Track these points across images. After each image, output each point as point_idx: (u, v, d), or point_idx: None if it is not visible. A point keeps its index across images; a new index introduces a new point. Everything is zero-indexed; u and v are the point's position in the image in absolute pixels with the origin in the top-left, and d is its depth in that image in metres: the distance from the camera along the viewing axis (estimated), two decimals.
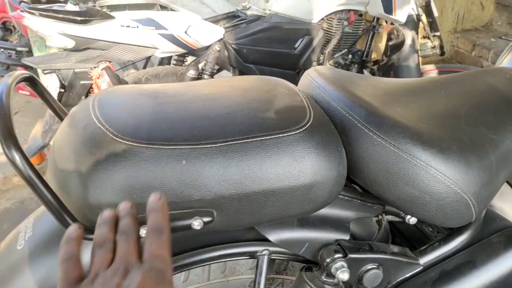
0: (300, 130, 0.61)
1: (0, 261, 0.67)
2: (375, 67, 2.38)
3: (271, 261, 0.78)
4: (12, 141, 0.51)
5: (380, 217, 0.82)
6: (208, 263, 0.70)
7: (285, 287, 0.83)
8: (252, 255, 0.70)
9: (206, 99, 0.66)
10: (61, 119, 0.75)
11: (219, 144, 0.58)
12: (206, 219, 0.59)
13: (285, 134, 0.60)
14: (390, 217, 0.82)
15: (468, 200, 0.64)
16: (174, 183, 0.56)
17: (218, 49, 1.92)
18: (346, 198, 0.71)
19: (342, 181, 0.64)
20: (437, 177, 0.62)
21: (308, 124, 0.62)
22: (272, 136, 0.60)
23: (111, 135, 0.56)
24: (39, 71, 1.76)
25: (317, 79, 0.76)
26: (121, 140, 0.55)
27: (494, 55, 3.30)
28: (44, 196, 0.53)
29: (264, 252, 0.69)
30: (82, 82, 1.75)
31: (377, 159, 0.64)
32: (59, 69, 1.73)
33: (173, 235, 0.73)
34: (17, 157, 0.51)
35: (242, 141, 0.59)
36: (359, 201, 0.73)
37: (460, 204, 0.64)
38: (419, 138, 0.63)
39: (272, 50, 2.01)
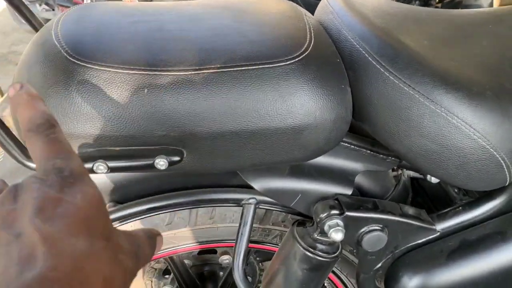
0: (292, 61, 0.50)
1: None
2: (439, 5, 2.12)
3: (267, 212, 0.70)
4: None
5: (399, 171, 0.71)
6: (190, 207, 0.63)
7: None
8: (237, 202, 0.62)
9: (189, 20, 0.56)
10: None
11: (189, 72, 0.49)
12: (173, 158, 0.51)
13: (272, 65, 0.50)
14: (412, 173, 0.71)
15: (500, 159, 0.51)
16: (134, 114, 0.48)
17: None
18: (352, 147, 0.61)
19: (343, 125, 0.53)
20: (461, 128, 0.49)
21: (303, 55, 0.51)
22: (256, 67, 0.50)
23: (65, 53, 0.49)
24: None
25: (333, 2, 0.63)
26: (74, 60, 0.48)
27: None
28: None
29: (251, 201, 0.60)
30: None
31: (388, 101, 0.52)
32: None
33: (150, 174, 0.67)
34: None
35: (218, 70, 0.49)
36: (369, 151, 0.62)
37: (489, 163, 0.51)
38: (442, 78, 0.50)
39: None
